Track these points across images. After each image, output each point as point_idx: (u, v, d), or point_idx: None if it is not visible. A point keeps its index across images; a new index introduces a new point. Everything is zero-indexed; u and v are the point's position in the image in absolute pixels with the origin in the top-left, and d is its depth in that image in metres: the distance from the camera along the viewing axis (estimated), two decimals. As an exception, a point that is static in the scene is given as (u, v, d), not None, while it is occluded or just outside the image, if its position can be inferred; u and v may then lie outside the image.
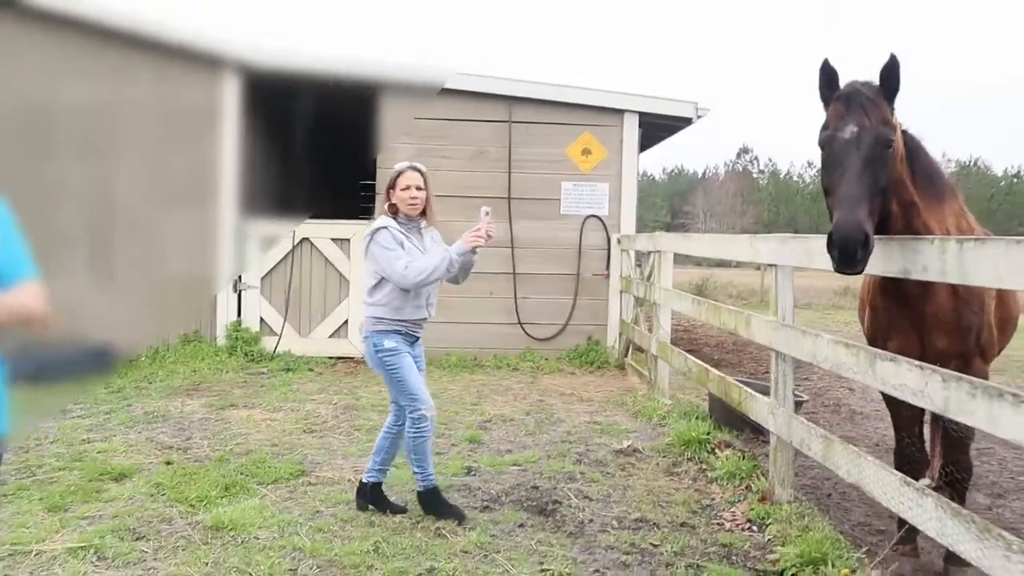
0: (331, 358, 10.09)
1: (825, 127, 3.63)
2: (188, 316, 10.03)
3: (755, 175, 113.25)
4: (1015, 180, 75.13)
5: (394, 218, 4.70)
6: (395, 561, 4.15)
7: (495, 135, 10.40)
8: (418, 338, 4.92)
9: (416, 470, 4.82)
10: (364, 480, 4.95)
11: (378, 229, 4.63)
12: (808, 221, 71.45)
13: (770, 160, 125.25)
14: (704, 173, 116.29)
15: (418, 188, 4.68)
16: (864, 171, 3.42)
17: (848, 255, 3.31)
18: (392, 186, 4.71)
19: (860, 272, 3.44)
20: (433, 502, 4.82)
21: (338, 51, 10.15)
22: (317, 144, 10.98)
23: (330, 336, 10.30)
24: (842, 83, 3.74)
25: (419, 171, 4.72)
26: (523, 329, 10.41)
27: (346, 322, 10.26)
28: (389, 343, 4.68)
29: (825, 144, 3.60)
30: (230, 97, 9.87)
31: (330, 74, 10.00)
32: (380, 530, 4.57)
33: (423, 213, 4.77)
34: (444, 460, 5.96)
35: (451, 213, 10.10)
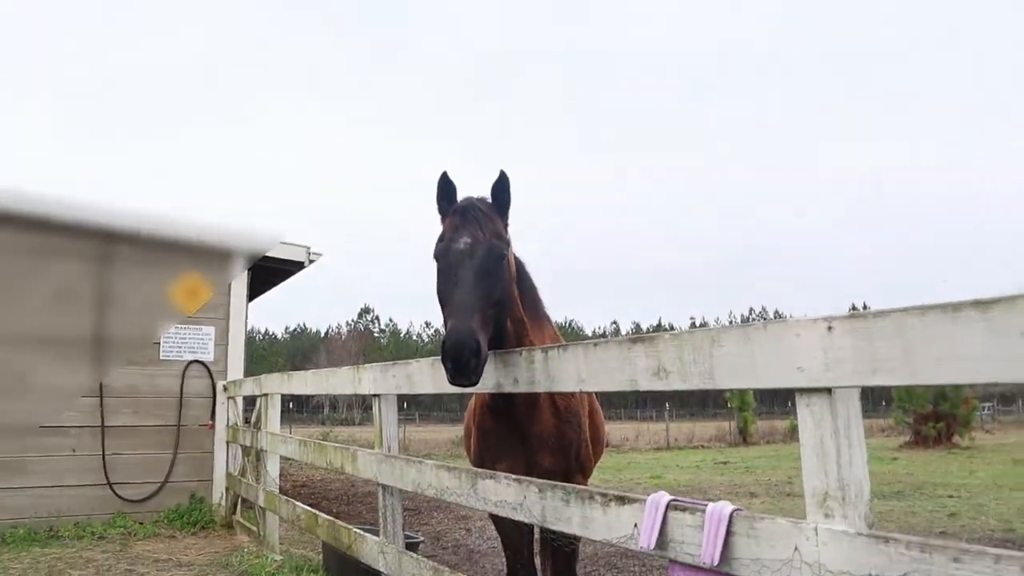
0: None
1: (441, 239, 3.56)
2: None
3: (376, 334, 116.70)
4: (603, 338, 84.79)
5: None
6: None
7: (87, 272, 9.32)
8: None
9: None
10: None
11: None
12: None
13: (391, 320, 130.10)
14: (327, 332, 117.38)
15: None
16: (477, 282, 3.36)
17: (461, 364, 3.12)
18: None
19: (475, 383, 3.25)
20: None
21: None
22: None
23: None
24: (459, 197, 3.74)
25: None
26: (112, 490, 9.09)
27: None
28: None
29: (440, 255, 3.51)
30: None
31: None
32: None
33: None
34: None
35: (32, 361, 8.80)
